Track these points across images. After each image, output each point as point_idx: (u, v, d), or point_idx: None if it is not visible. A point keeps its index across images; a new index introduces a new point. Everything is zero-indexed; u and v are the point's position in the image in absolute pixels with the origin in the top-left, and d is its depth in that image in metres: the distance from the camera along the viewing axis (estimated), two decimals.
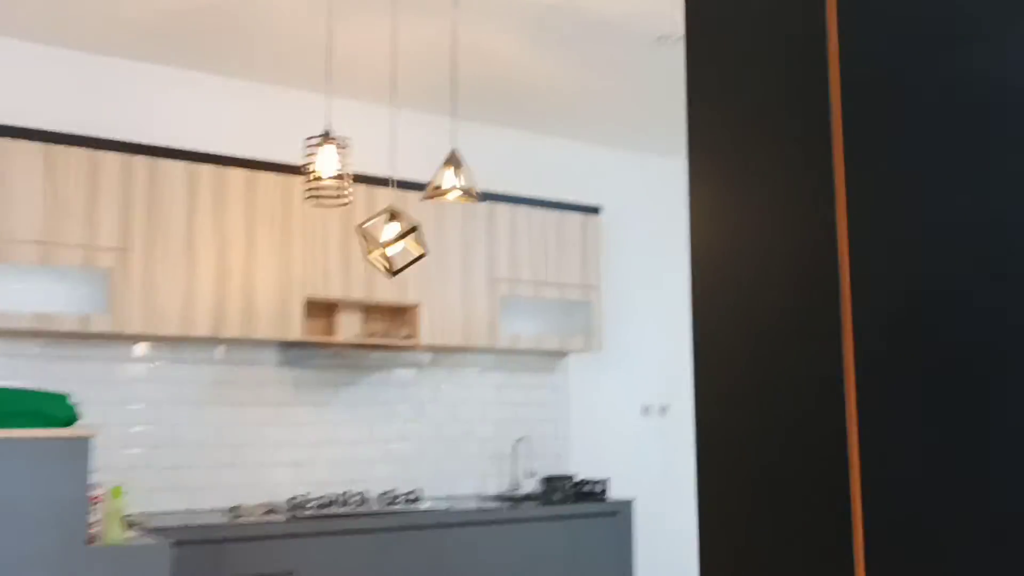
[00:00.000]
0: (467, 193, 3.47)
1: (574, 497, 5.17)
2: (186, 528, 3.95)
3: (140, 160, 4.25)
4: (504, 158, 5.51)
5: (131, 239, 4.18)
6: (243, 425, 4.66)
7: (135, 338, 4.41)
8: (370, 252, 3.51)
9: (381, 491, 5.00)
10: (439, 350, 5.08)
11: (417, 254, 3.48)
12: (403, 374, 5.14)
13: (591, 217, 5.52)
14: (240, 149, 4.63)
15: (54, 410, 3.07)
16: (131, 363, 4.44)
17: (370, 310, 5.01)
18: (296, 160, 4.70)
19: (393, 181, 4.82)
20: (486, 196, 5.16)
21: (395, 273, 3.41)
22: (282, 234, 4.53)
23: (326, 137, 3.17)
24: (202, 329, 4.28)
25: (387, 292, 4.78)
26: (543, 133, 5.74)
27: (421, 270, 4.89)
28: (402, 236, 3.33)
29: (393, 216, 3.47)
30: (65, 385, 4.27)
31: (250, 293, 4.41)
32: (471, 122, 5.46)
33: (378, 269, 3.48)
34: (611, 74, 4.74)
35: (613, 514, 5.06)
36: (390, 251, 3.35)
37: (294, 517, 4.23)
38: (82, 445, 3.09)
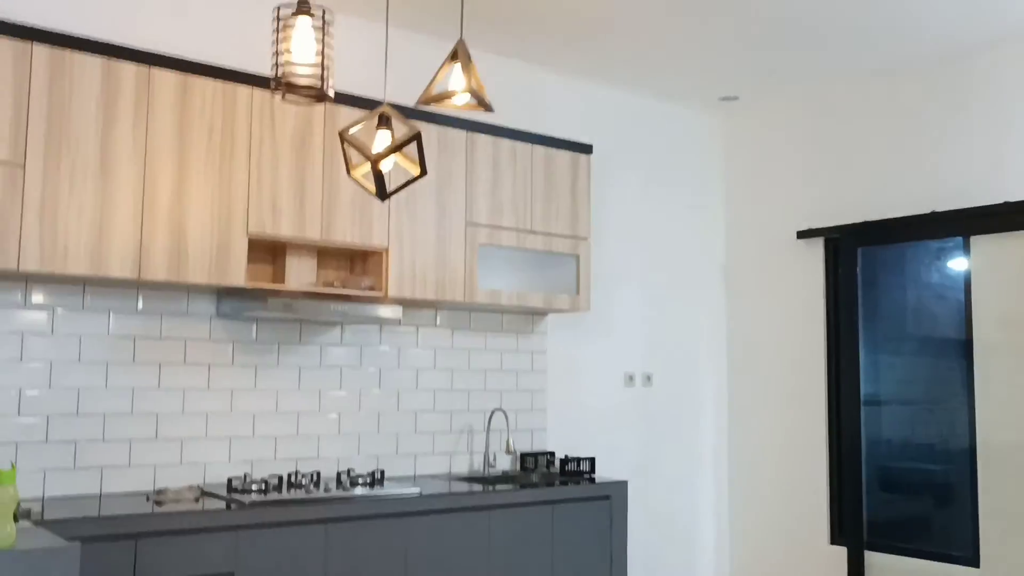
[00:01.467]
0: (478, 99, 2.68)
1: (558, 478, 4.46)
2: (96, 520, 3.09)
3: (40, 51, 3.32)
4: (489, 86, 4.70)
5: (25, 151, 3.26)
6: (168, 390, 3.79)
7: (30, 279, 3.49)
8: (354, 168, 2.70)
9: (337, 471, 4.20)
10: (408, 304, 4.29)
11: (415, 173, 2.68)
12: (362, 332, 4.33)
13: (581, 157, 4.77)
14: (173, 46, 3.71)
15: None
16: (25, 311, 3.53)
17: (326, 254, 4.18)
18: (245, 65, 3.81)
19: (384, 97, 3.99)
20: (466, 124, 4.37)
21: (387, 196, 2.61)
22: (223, 155, 3.66)
23: (302, 6, 2.34)
24: (118, 270, 3.40)
25: (348, 233, 3.95)
26: (533, 62, 4.95)
27: (389, 209, 4.07)
28: (398, 147, 2.53)
29: (385, 121, 2.66)
30: None
31: (180, 226, 3.53)
32: (449, 43, 4.64)
33: (365, 189, 2.67)
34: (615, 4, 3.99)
35: (605, 498, 4.37)
36: (382, 166, 2.54)
37: (234, 504, 3.41)
38: None
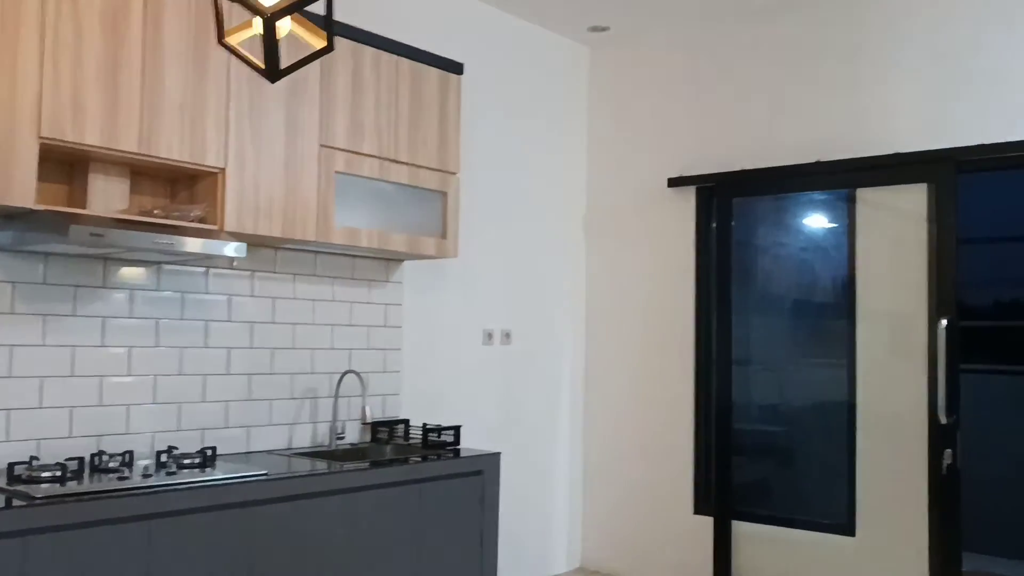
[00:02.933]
0: None
1: (419, 451, 3.81)
2: None
3: None
4: None
5: None
6: None
7: None
8: (231, 32, 1.91)
9: (156, 450, 3.33)
10: (247, 241, 3.46)
11: (318, 46, 1.92)
12: (184, 277, 3.46)
13: (452, 77, 4.09)
14: None
15: None
16: None
17: (141, 174, 3.27)
18: None
19: None
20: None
21: (279, 75, 1.84)
22: (3, 27, 2.68)
23: None
24: None
25: (175, 147, 3.08)
26: None
27: (227, 120, 3.23)
28: (297, 5, 1.77)
29: None
30: None
31: None
32: None
33: (246, 62, 1.89)
34: None
35: (476, 473, 3.78)
36: (263, 30, 1.77)
37: (20, 499, 2.51)
38: None
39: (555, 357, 5.12)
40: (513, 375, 4.85)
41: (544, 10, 4.81)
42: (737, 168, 4.75)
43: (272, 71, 1.84)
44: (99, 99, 2.88)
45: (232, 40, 1.92)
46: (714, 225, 4.88)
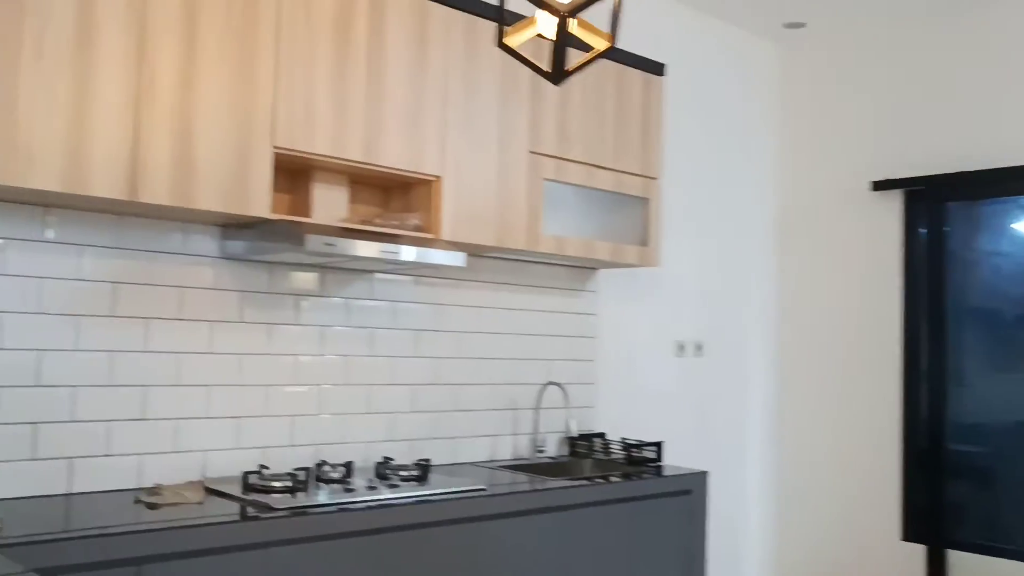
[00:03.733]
0: None
1: (623, 467, 3.67)
2: (61, 542, 2.15)
3: None
4: None
5: None
6: (158, 354, 2.84)
7: None
8: (511, 32, 1.82)
9: (375, 461, 3.32)
10: (460, 249, 3.41)
11: (601, 47, 1.81)
12: (394, 285, 3.43)
13: (654, 79, 3.94)
14: None
15: None
16: None
17: (358, 183, 3.26)
18: None
19: None
20: None
21: (563, 76, 1.74)
22: (243, 35, 2.70)
23: None
24: (104, 187, 2.42)
25: (396, 155, 3.04)
26: None
27: (445, 126, 3.18)
28: (591, 1, 1.66)
29: None
30: None
31: (187, 130, 2.57)
32: None
33: (528, 65, 1.79)
34: None
35: (684, 492, 3.61)
36: (548, 28, 1.67)
37: (255, 509, 2.50)
38: None
39: (747, 370, 4.89)
40: (705, 389, 4.66)
41: (737, 8, 4.60)
42: (949, 170, 4.42)
43: (557, 73, 1.73)
44: (328, 107, 2.87)
45: (512, 42, 1.82)
46: (923, 231, 4.56)
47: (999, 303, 4.50)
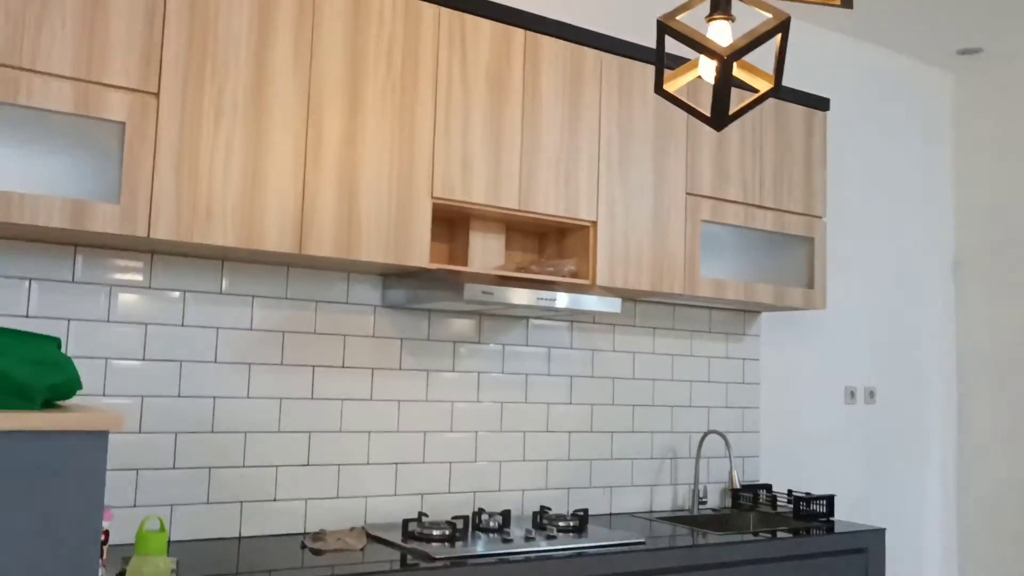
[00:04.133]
0: None
1: (790, 522, 3.49)
2: None
3: None
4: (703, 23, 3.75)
5: (160, 75, 2.40)
6: (322, 401, 2.92)
7: (156, 251, 2.65)
8: (668, 80, 1.77)
9: (532, 511, 3.29)
10: (617, 295, 3.36)
11: (764, 88, 1.74)
12: (549, 332, 3.41)
13: (816, 114, 3.79)
14: None
15: (34, 374, 1.45)
16: (147, 294, 2.68)
17: (512, 230, 3.27)
18: None
19: None
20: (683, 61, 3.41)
21: (726, 120, 1.67)
22: (404, 91, 2.77)
23: None
24: (276, 241, 2.52)
25: (551, 202, 3.04)
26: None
27: (598, 171, 3.15)
28: (763, 38, 1.60)
29: (722, 5, 1.73)
30: (45, 326, 2.50)
31: (351, 186, 2.65)
32: None
33: (688, 110, 1.74)
34: None
35: (859, 551, 3.39)
36: (709, 73, 1.60)
37: (420, 558, 2.51)
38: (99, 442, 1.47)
39: (925, 419, 4.58)
40: (877, 438, 4.39)
41: (908, 36, 4.38)
42: None
43: (720, 117, 1.67)
44: (484, 156, 2.90)
45: (671, 87, 1.78)
46: None
47: None
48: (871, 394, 4.37)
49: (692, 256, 3.36)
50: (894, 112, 4.59)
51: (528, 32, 3.02)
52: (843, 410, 4.28)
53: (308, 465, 2.87)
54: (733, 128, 3.51)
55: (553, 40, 3.07)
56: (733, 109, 1.71)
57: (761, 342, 3.99)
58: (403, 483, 3.04)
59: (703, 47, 1.60)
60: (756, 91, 1.75)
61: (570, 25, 3.11)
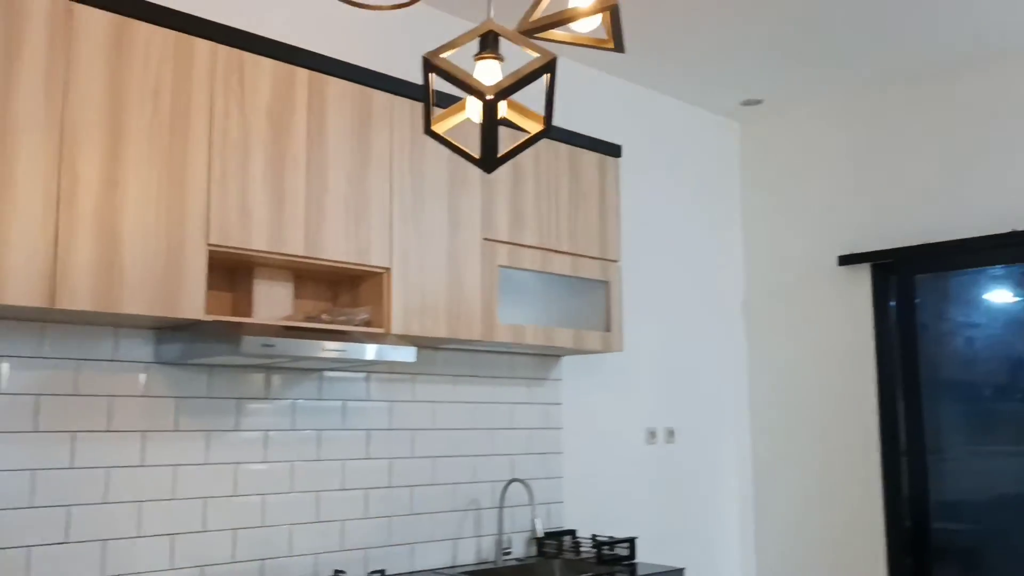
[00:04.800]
0: (613, 26, 1.74)
1: (593, 567, 3.46)
2: None
3: None
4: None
5: None
6: (85, 471, 2.63)
7: None
8: (439, 119, 1.70)
9: (327, 574, 3.09)
10: (413, 343, 3.24)
11: (534, 130, 1.70)
12: (344, 384, 3.26)
13: (609, 160, 3.86)
14: None
15: None
16: None
17: (303, 278, 3.11)
18: (200, 9, 2.74)
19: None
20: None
21: (496, 162, 1.62)
22: (173, 130, 2.57)
23: None
24: (21, 295, 2.26)
25: (341, 248, 2.91)
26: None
27: (390, 217, 3.05)
28: (529, 77, 1.55)
29: (491, 43, 1.68)
30: None
31: (112, 232, 2.42)
32: (454, 16, 3.68)
33: (458, 152, 1.67)
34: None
35: None
36: (477, 113, 1.55)
37: None
38: None
39: (722, 454, 4.72)
40: (678, 477, 4.47)
41: (694, 87, 4.57)
42: (915, 242, 4.35)
43: (489, 159, 1.61)
44: (266, 201, 2.74)
45: (440, 128, 1.70)
46: (893, 304, 4.46)
47: (974, 375, 4.38)
48: (671, 434, 4.46)
49: (489, 302, 3.31)
50: (686, 159, 4.76)
51: (313, 72, 2.90)
52: (644, 451, 4.34)
53: (66, 543, 2.57)
54: (528, 173, 3.51)
55: (340, 81, 2.96)
56: (505, 150, 1.65)
57: (563, 386, 3.99)
58: (180, 556, 2.79)
59: (468, 86, 1.53)
60: (527, 132, 1.70)
61: (357, 66, 3.02)
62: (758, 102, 4.78)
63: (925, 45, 4.04)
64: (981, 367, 4.39)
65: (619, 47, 1.78)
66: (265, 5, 3.16)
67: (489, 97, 1.52)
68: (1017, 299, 4.35)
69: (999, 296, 4.39)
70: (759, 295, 4.92)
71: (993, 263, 4.23)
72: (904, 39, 3.98)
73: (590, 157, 3.77)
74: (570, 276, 3.64)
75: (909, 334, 4.40)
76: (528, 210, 3.50)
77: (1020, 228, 4.02)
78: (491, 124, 1.56)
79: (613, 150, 3.87)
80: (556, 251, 3.58)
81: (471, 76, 1.54)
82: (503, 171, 3.43)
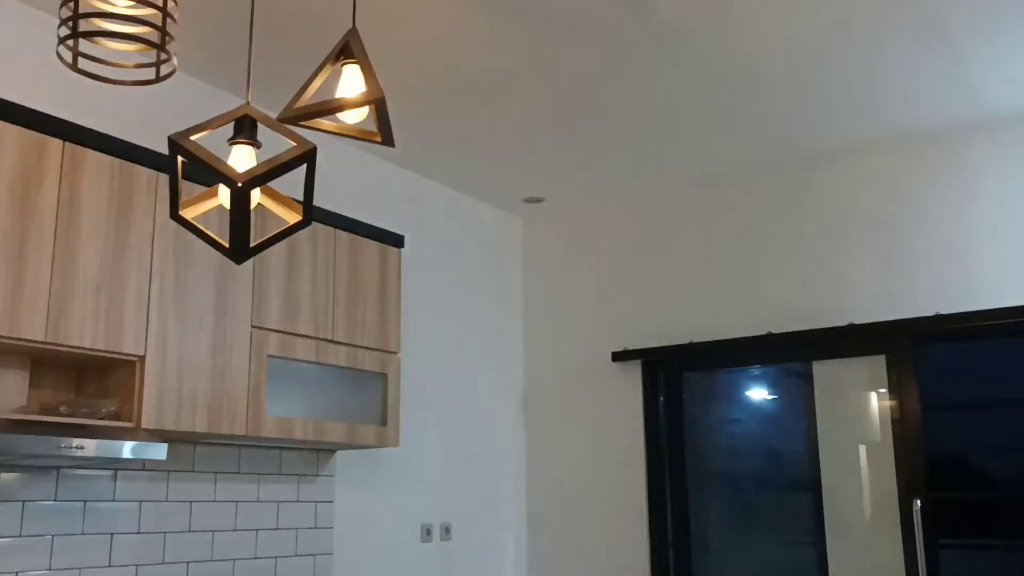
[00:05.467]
0: (380, 120, 1.72)
1: None
2: None
3: None
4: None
5: None
6: None
7: None
8: (188, 204, 1.58)
9: None
10: (167, 438, 2.98)
11: (292, 220, 1.61)
12: (88, 482, 2.95)
13: (391, 251, 3.81)
14: None
15: None
16: None
17: (44, 364, 2.81)
18: None
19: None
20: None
21: (246, 253, 1.52)
22: None
23: None
24: None
25: (88, 334, 2.66)
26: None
27: (148, 301, 2.84)
28: (286, 165, 1.48)
29: (247, 128, 1.60)
30: None
31: None
32: (233, 96, 3.55)
33: (206, 239, 1.55)
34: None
35: None
36: (228, 200, 1.46)
37: None
38: None
39: (498, 551, 4.65)
40: (454, 574, 4.36)
41: (478, 182, 4.65)
42: (685, 341, 4.56)
43: (239, 250, 1.51)
44: (1, 281, 2.47)
45: (188, 213, 1.59)
46: (662, 400, 4.64)
47: (737, 468, 4.60)
48: (447, 530, 4.36)
49: (257, 393, 3.13)
50: (469, 251, 4.80)
51: (68, 143, 2.69)
52: (419, 549, 4.20)
53: None
54: (305, 260, 3.40)
55: (98, 154, 2.76)
56: (256, 242, 1.55)
57: (335, 482, 3.82)
58: None
59: (218, 172, 1.44)
60: (286, 223, 1.61)
61: (118, 139, 2.83)
62: (540, 200, 4.92)
63: (698, 155, 4.31)
64: (743, 460, 4.62)
65: (387, 141, 1.74)
66: (12, 66, 2.92)
67: (239, 184, 1.43)
68: (773, 397, 4.64)
69: (757, 394, 4.67)
70: (538, 389, 4.98)
71: (752, 363, 4.50)
72: (679, 148, 4.23)
73: (372, 246, 3.71)
74: (347, 367, 3.52)
75: (677, 429, 4.57)
76: (304, 298, 3.37)
77: (775, 331, 4.31)
78: (242, 212, 1.47)
79: (396, 240, 3.83)
80: (332, 341, 3.46)
81: (221, 161, 1.45)
82: (278, 258, 3.29)
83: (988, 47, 3.29)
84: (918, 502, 3.82)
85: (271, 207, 1.62)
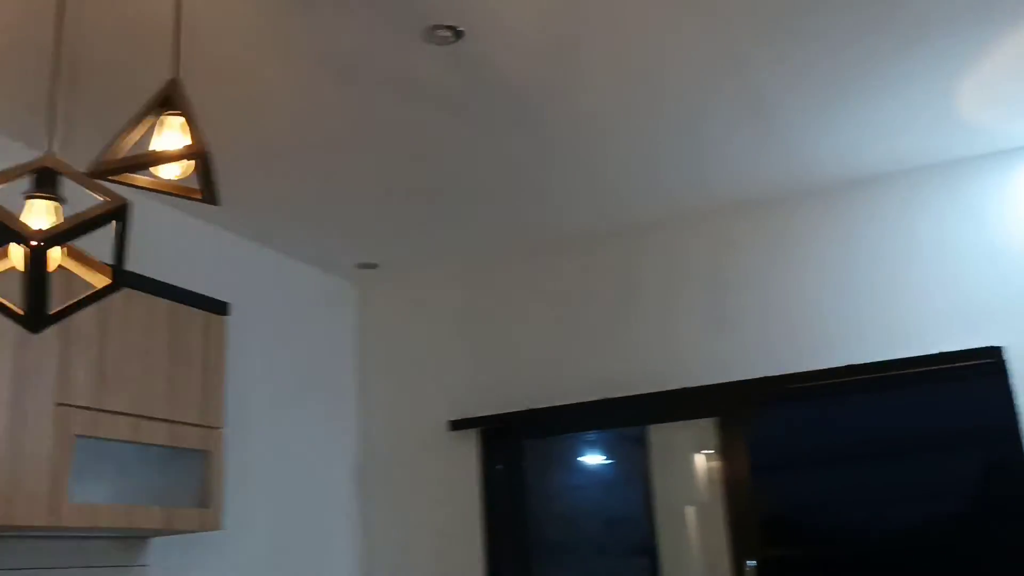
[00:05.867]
0: (203, 176, 1.59)
1: None
2: None
3: None
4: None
5: None
6: None
7: None
8: None
9: None
10: None
11: (100, 284, 1.44)
12: None
13: (214, 319, 3.58)
14: None
15: None
16: None
17: None
18: None
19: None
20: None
21: (44, 321, 1.33)
22: None
23: None
24: None
25: None
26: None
27: None
28: (92, 223, 1.31)
29: (47, 181, 1.42)
30: None
31: None
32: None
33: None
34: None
35: None
36: (23, 261, 1.28)
37: None
38: None
39: None
40: None
41: (310, 247, 4.48)
42: (523, 408, 4.51)
43: (36, 317, 1.32)
44: None
45: None
46: (501, 468, 4.55)
47: (577, 534, 4.56)
48: None
49: (59, 478, 2.81)
50: (300, 319, 4.60)
51: None
52: None
53: None
54: (118, 329, 3.12)
55: None
56: (56, 309, 1.37)
57: (150, 572, 3.48)
58: None
59: (9, 229, 1.25)
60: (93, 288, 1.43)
61: None
62: (374, 266, 4.80)
63: (532, 220, 4.32)
64: (583, 526, 4.59)
65: (210, 198, 1.60)
66: None
67: (34, 243, 1.25)
68: (610, 461, 4.65)
69: (594, 459, 4.67)
70: (373, 461, 4.79)
71: (590, 428, 4.49)
72: (513, 213, 4.22)
73: (193, 314, 3.46)
74: (166, 446, 3.24)
75: (518, 496, 4.48)
76: (117, 371, 3.08)
77: (611, 396, 4.32)
78: (38, 275, 1.29)
79: (220, 307, 3.60)
80: (150, 418, 3.18)
81: (13, 217, 1.27)
82: (86, 327, 3.01)
83: (812, 120, 3.47)
84: (753, 562, 3.88)
85: (75, 270, 1.44)
